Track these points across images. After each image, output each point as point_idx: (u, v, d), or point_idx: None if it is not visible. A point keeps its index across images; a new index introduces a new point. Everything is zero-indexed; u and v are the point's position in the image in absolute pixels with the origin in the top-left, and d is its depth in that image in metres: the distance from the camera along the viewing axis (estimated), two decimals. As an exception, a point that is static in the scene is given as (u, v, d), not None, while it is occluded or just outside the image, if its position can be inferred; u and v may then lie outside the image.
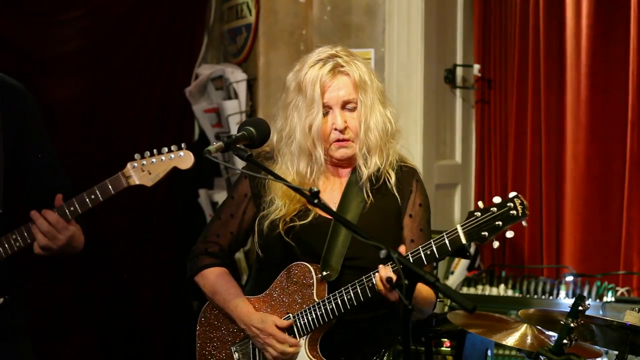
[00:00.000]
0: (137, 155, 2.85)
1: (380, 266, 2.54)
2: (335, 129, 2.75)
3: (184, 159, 2.84)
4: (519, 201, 2.44)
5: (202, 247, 2.94)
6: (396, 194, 2.81)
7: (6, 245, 2.90)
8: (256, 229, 2.84)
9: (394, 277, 2.47)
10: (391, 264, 2.57)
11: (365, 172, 2.78)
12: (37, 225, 2.77)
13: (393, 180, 2.82)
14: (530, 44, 4.89)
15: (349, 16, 4.83)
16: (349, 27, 4.84)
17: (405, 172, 2.86)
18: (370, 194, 2.79)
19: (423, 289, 2.72)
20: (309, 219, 2.77)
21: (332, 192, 2.85)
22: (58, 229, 2.78)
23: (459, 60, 5.09)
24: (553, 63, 4.83)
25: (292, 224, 2.76)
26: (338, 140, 2.77)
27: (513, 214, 2.43)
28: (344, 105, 2.76)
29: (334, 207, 2.79)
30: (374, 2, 4.81)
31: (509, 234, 2.44)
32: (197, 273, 2.93)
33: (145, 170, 2.83)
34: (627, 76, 4.59)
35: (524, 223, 2.45)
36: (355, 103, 2.76)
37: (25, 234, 2.86)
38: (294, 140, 2.78)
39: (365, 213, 2.78)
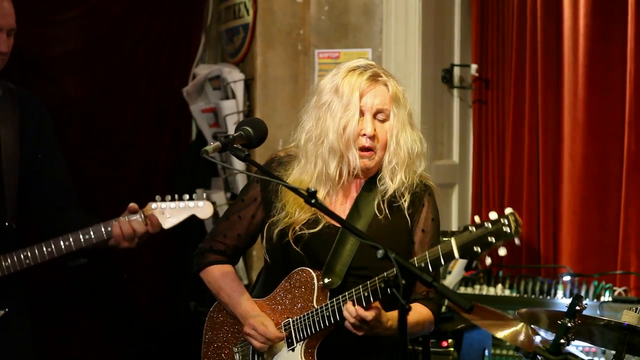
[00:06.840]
0: (158, 197, 3.07)
1: (349, 305, 2.58)
2: (364, 135, 2.74)
3: (204, 209, 3.11)
4: (513, 218, 2.43)
5: (209, 245, 2.97)
6: (407, 216, 2.80)
7: (15, 260, 2.99)
8: (265, 235, 2.85)
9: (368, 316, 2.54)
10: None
11: (390, 186, 2.77)
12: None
13: (407, 202, 2.80)
14: (528, 44, 4.89)
15: (347, 16, 4.83)
16: (347, 27, 4.83)
17: (421, 187, 2.85)
18: (382, 207, 2.78)
19: (419, 320, 2.75)
20: (319, 227, 2.77)
21: (343, 200, 2.84)
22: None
23: (457, 60, 5.09)
24: (550, 63, 4.83)
25: (301, 232, 2.76)
26: (362, 149, 2.75)
27: (506, 231, 2.42)
28: (375, 114, 2.75)
29: (344, 216, 2.78)
30: (371, 2, 4.80)
31: (502, 252, 2.42)
32: (203, 269, 2.96)
33: (164, 214, 3.03)
34: (624, 76, 4.59)
35: (516, 241, 2.44)
36: (388, 114, 2.76)
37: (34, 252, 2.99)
38: (325, 141, 2.76)
39: (374, 222, 2.78)
